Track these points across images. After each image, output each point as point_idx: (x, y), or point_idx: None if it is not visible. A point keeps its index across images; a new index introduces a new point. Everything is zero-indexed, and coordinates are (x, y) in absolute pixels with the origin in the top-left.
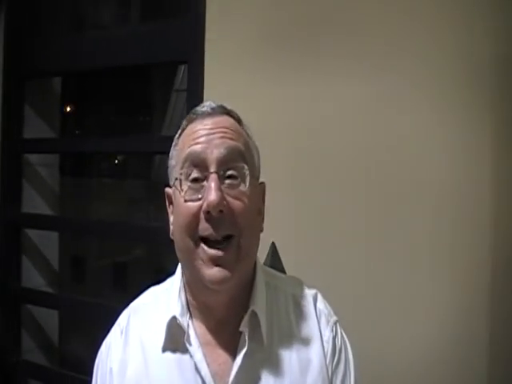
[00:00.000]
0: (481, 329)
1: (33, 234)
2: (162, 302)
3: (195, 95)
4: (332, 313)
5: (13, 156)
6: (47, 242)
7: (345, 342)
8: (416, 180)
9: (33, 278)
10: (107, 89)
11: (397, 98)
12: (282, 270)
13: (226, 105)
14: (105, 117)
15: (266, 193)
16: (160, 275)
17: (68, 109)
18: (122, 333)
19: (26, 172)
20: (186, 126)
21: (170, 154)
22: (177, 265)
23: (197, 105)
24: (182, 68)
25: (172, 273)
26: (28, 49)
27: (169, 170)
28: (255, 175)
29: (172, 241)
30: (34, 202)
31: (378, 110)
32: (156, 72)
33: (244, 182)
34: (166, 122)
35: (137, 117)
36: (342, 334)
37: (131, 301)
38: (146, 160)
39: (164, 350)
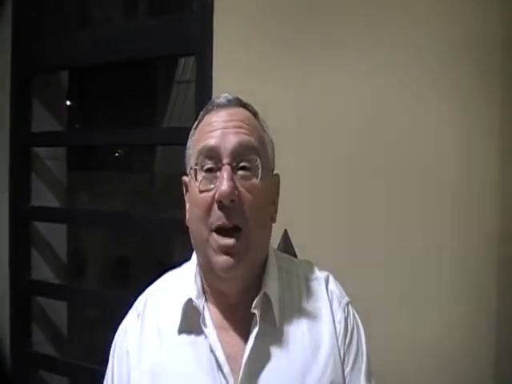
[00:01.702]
0: (488, 327)
1: (41, 226)
2: (178, 286)
3: (204, 86)
4: (344, 294)
5: (21, 149)
6: (56, 234)
7: (357, 322)
8: (425, 174)
9: (42, 270)
10: (112, 82)
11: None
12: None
13: (241, 97)
14: (109, 109)
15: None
16: (168, 266)
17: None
18: (138, 317)
19: (34, 165)
20: (203, 116)
21: (188, 144)
22: (191, 252)
23: (205, 95)
24: (183, 60)
25: (184, 261)
26: (35, 43)
27: (186, 158)
28: (269, 168)
29: (187, 227)
30: (43, 195)
31: (387, 103)
32: (158, 64)
33: (256, 174)
34: (167, 114)
35: (140, 109)
36: (354, 314)
37: (139, 292)
38: (154, 152)
39: (180, 332)
